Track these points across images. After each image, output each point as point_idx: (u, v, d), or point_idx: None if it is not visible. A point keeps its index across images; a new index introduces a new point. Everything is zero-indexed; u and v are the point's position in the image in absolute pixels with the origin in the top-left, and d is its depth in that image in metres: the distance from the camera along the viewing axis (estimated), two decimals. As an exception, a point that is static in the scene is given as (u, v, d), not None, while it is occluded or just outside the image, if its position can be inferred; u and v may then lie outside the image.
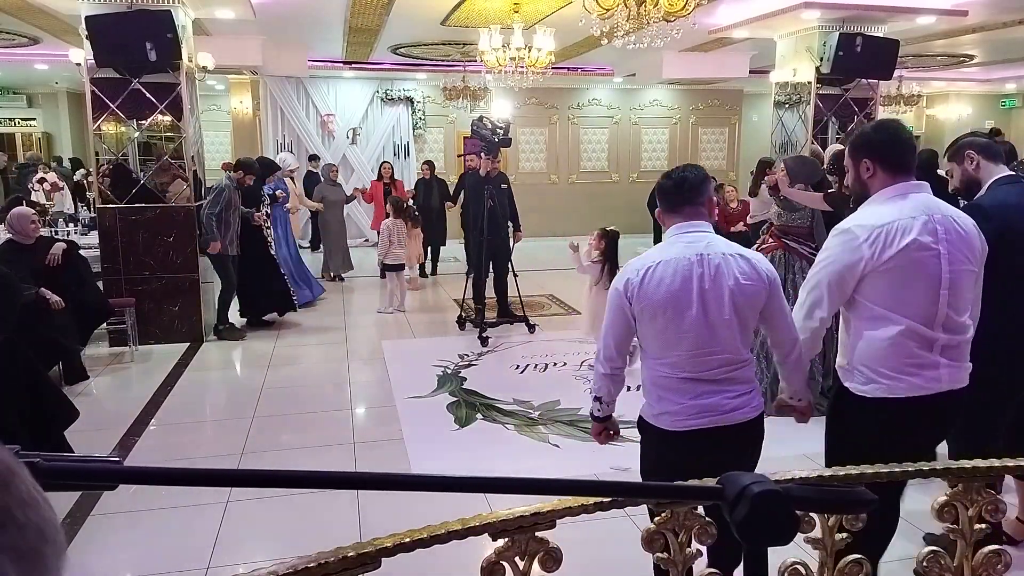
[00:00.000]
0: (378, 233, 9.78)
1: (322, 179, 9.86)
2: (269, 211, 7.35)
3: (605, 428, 2.47)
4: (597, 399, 2.40)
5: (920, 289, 2.15)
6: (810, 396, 2.41)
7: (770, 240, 5.14)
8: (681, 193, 2.21)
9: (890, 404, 2.19)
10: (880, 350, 2.19)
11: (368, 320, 7.47)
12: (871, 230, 2.14)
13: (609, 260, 5.63)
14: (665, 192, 2.26)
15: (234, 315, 6.97)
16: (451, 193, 9.97)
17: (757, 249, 5.19)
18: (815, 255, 5.16)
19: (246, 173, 6.78)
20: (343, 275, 9.66)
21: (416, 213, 9.49)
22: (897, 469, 1.39)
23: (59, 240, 5.71)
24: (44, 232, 6.50)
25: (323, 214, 9.56)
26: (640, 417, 2.34)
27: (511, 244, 7.22)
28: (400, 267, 7.74)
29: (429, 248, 10.05)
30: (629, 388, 5.50)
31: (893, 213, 2.17)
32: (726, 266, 2.13)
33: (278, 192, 7.72)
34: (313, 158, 11.46)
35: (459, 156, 11.21)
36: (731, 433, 2.16)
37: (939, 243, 2.14)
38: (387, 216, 8.03)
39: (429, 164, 10.21)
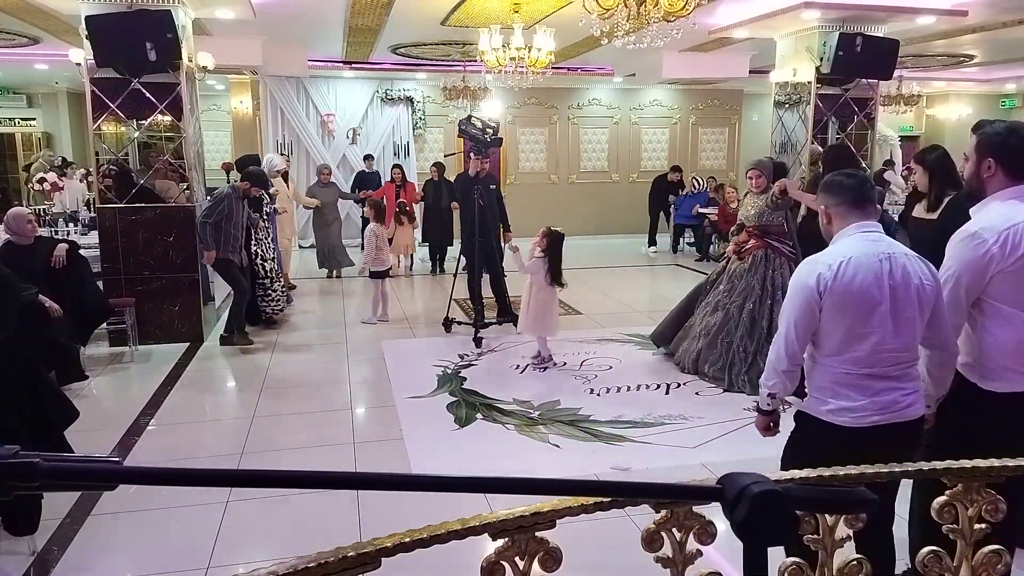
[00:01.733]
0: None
1: (316, 180, 9.91)
2: (268, 212, 7.23)
3: (771, 420, 2.47)
4: (772, 395, 2.39)
5: None
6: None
7: (753, 240, 5.32)
8: (864, 192, 2.28)
9: (1021, 398, 2.29)
10: (1014, 347, 2.29)
11: (369, 315, 7.44)
12: (998, 232, 2.24)
13: (551, 260, 5.71)
14: (848, 189, 2.30)
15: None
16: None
17: (741, 249, 5.36)
18: (794, 253, 5.43)
19: (252, 184, 6.49)
20: (341, 272, 9.73)
21: (408, 209, 9.76)
22: (897, 469, 1.39)
23: (60, 240, 5.72)
24: (44, 232, 6.52)
25: (315, 214, 9.60)
26: (804, 413, 2.35)
27: (503, 245, 7.21)
28: (385, 273, 7.49)
29: (439, 248, 10.22)
30: (623, 389, 5.46)
31: (1015, 215, 2.26)
32: (911, 266, 2.20)
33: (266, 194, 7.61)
34: (368, 158, 11.49)
35: (447, 156, 11.21)
36: (904, 429, 2.23)
37: None
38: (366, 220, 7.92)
39: (437, 166, 10.30)
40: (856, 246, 2.22)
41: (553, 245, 5.74)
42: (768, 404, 2.42)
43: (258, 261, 6.99)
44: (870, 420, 2.19)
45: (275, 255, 7.32)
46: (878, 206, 2.38)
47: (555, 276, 5.71)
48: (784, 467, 2.34)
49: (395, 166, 10.61)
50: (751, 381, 5.11)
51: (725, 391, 5.19)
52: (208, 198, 6.61)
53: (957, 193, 3.69)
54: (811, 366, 2.32)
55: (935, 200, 3.78)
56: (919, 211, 3.97)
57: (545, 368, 5.79)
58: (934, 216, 3.75)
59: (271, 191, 7.49)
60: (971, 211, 2.42)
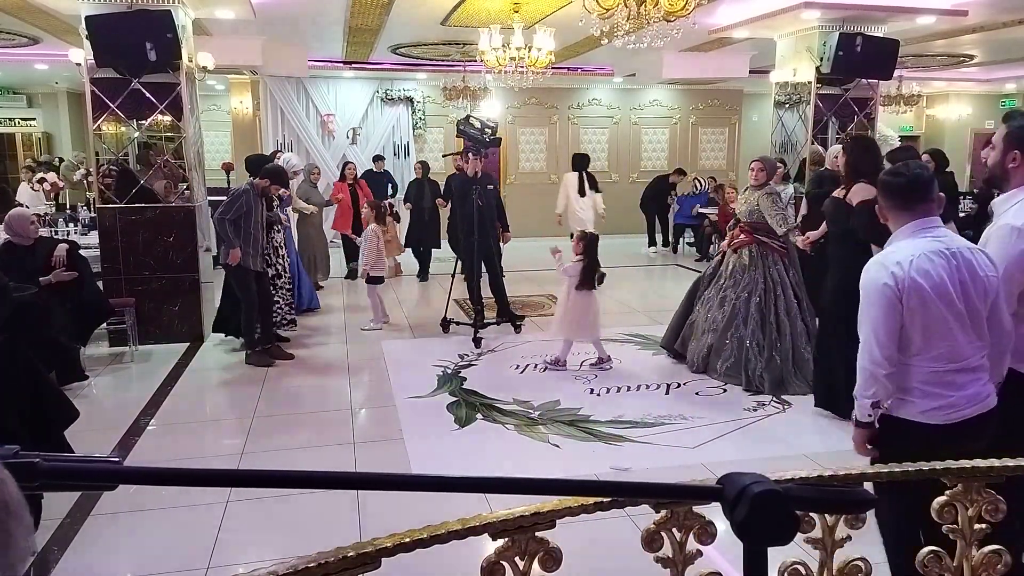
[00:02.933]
0: (346, 237, 9.32)
1: (304, 180, 9.10)
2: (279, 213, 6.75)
3: (870, 434, 2.38)
4: (875, 404, 2.32)
5: None
6: None
7: (743, 236, 5.48)
8: (915, 191, 2.28)
9: None
10: None
11: (367, 321, 7.43)
12: None
13: (587, 263, 5.68)
14: (896, 189, 2.31)
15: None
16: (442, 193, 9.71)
17: (730, 244, 5.46)
18: (784, 248, 5.61)
19: (272, 182, 5.97)
20: (321, 283, 9.01)
21: (394, 210, 9.38)
22: (897, 469, 1.39)
23: (60, 241, 5.72)
24: (44, 232, 6.51)
25: (304, 218, 8.77)
26: (891, 416, 2.33)
27: (501, 244, 7.19)
28: (382, 279, 7.24)
29: (421, 250, 9.72)
30: (623, 389, 5.45)
31: None
32: (975, 260, 2.24)
33: (283, 192, 7.14)
34: (378, 158, 10.73)
35: (445, 156, 11.13)
36: (988, 419, 2.27)
37: None
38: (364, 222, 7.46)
39: (422, 164, 10.08)
40: (919, 245, 2.24)
41: (589, 248, 5.70)
42: (869, 415, 2.35)
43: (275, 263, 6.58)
44: (962, 414, 2.23)
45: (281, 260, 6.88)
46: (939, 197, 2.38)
47: (588, 279, 5.65)
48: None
49: (348, 163, 9.84)
50: (773, 379, 5.14)
51: (743, 388, 5.17)
52: (227, 196, 6.17)
53: None
54: (897, 369, 2.32)
55: None
56: None
57: (599, 368, 5.74)
58: None
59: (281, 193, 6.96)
60: (996, 202, 2.48)
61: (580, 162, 9.70)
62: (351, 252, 9.52)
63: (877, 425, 2.35)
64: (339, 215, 9.44)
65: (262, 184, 5.94)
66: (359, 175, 10.46)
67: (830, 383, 4.70)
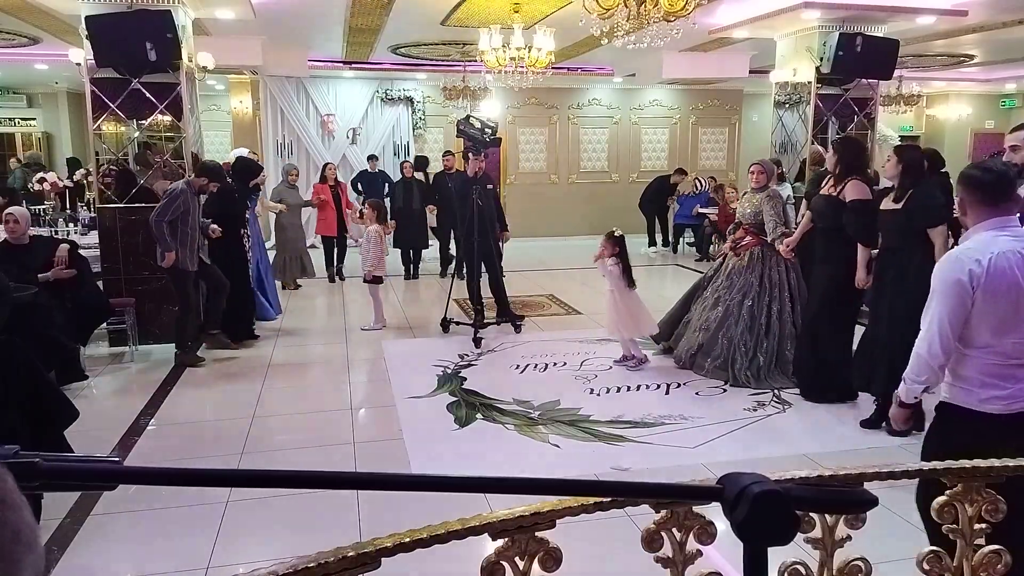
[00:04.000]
0: (335, 240, 9.29)
1: (282, 180, 9.21)
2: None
3: (912, 412, 2.50)
4: (925, 388, 2.40)
5: None
6: None
7: (748, 238, 5.58)
8: (1001, 188, 2.32)
9: None
10: None
11: (367, 321, 7.43)
12: None
13: (623, 261, 5.72)
14: (982, 184, 2.34)
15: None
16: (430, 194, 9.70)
17: (736, 246, 5.50)
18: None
19: (210, 179, 5.93)
20: (299, 283, 9.00)
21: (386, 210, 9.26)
22: (897, 469, 1.39)
23: (60, 241, 5.71)
24: (44, 232, 6.50)
25: (280, 218, 8.79)
26: (949, 404, 2.38)
27: (501, 244, 7.20)
28: (382, 279, 7.21)
29: (411, 252, 9.65)
30: (622, 389, 5.45)
31: None
32: None
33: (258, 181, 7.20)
34: (372, 158, 10.89)
35: (445, 156, 11.10)
36: None
37: None
38: (361, 222, 7.44)
39: (409, 164, 10.04)
40: (997, 242, 2.27)
41: (622, 248, 5.73)
42: (916, 398, 2.43)
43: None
44: (1019, 406, 2.26)
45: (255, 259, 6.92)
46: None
47: (630, 277, 5.68)
48: (927, 457, 2.38)
49: (327, 164, 9.80)
50: (754, 375, 5.31)
51: (729, 385, 5.28)
52: (164, 194, 5.92)
53: (916, 187, 4.13)
54: (957, 358, 2.36)
55: (901, 191, 4.19)
56: (886, 203, 4.31)
57: (639, 367, 5.74)
58: (899, 205, 4.15)
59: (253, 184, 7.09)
60: None
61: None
62: (336, 255, 9.51)
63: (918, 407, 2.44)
64: (321, 218, 9.38)
65: (199, 182, 5.89)
66: (356, 175, 10.52)
67: (814, 372, 4.95)
